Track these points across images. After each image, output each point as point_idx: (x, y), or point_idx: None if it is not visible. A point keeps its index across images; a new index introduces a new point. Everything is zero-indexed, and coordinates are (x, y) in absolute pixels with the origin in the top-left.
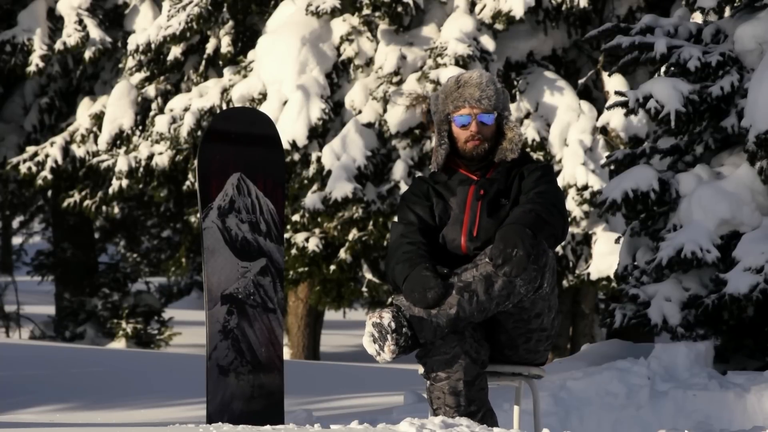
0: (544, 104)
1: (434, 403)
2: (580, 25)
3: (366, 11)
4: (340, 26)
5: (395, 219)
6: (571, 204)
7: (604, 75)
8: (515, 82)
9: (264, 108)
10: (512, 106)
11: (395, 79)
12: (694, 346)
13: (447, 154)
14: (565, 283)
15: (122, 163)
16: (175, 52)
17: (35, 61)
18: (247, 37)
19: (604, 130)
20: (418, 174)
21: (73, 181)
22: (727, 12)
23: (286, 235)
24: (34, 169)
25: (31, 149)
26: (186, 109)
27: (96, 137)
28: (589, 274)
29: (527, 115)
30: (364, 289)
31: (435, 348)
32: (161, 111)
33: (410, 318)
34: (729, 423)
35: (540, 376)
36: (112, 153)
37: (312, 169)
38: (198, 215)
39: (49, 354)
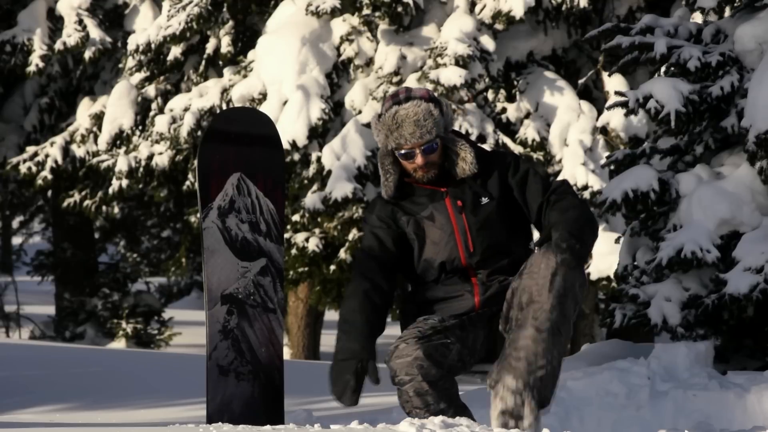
0: (544, 104)
1: (405, 407)
2: (580, 25)
3: (366, 11)
4: (340, 26)
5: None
6: None
7: (604, 75)
8: (515, 82)
9: (264, 108)
10: (512, 106)
11: (395, 79)
12: (694, 346)
13: (398, 181)
14: None
15: (122, 163)
16: (175, 52)
17: (35, 61)
18: (247, 37)
19: (604, 130)
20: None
21: (73, 181)
22: (727, 12)
23: (286, 235)
24: (34, 169)
25: (31, 149)
26: (186, 109)
27: (96, 137)
28: (589, 274)
29: (527, 115)
30: None
31: (398, 351)
32: (161, 111)
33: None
34: (729, 423)
35: None
36: (112, 153)
37: (312, 169)
38: (198, 215)
39: (49, 354)
